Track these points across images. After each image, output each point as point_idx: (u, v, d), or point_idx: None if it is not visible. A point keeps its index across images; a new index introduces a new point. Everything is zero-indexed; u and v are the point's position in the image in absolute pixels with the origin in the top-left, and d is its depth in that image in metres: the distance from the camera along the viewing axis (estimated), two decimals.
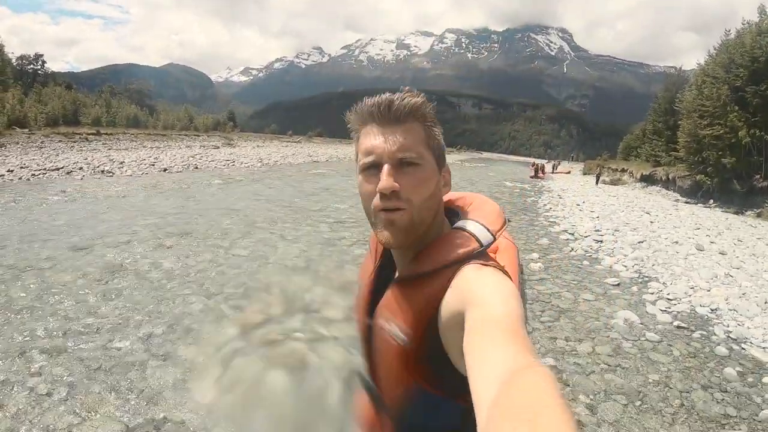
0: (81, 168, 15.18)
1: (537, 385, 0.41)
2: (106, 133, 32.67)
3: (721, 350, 3.85)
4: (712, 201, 17.76)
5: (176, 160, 19.94)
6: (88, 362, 3.03)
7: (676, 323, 4.39)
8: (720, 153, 16.93)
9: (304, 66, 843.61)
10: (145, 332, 3.51)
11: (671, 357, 3.70)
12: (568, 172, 42.78)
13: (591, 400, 3.00)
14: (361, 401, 0.87)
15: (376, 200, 0.71)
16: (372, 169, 0.72)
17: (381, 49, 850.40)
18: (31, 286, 4.32)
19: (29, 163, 15.46)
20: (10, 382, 2.73)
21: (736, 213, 15.74)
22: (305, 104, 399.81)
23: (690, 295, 5.22)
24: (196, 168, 18.30)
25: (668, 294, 5.24)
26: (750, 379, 3.39)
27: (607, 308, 4.75)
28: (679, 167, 21.13)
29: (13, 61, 44.61)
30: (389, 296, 0.77)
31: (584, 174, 38.50)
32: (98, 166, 15.84)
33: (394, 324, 0.73)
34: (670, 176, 21.84)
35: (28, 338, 3.30)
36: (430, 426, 0.76)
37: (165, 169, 16.68)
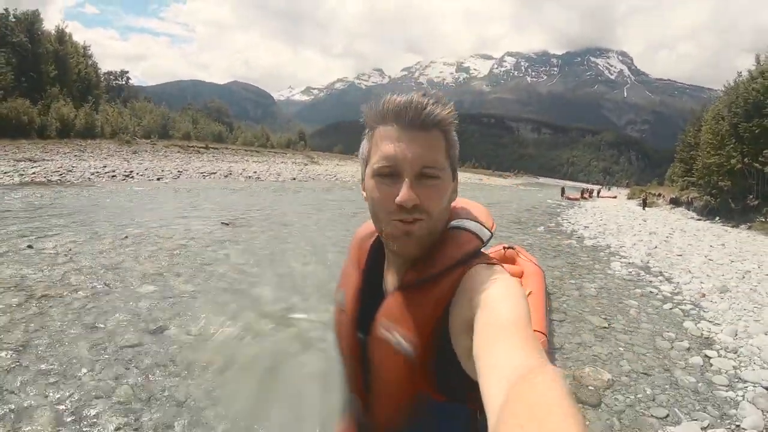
0: (231, 173, 21.31)
1: (546, 385, 0.42)
2: (213, 147, 38.11)
3: (605, 253, 9.19)
4: (717, 218, 21.94)
5: (293, 173, 26.38)
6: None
7: (593, 246, 9.81)
8: (720, 178, 21.36)
9: (364, 87, 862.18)
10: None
11: (583, 250, 9.17)
12: (615, 197, 44.87)
13: (536, 251, 8.54)
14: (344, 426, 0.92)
15: (392, 210, 0.68)
16: (388, 177, 0.69)
17: (440, 72, 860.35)
18: (296, 224, 10.47)
19: (184, 167, 20.39)
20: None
21: (733, 227, 19.31)
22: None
23: (612, 243, 10.46)
24: (313, 179, 24.72)
25: (601, 242, 10.53)
26: (602, 254, 8.73)
27: (564, 241, 10.26)
28: (692, 190, 25.54)
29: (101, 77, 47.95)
30: (391, 304, 0.74)
31: (628, 199, 41.51)
32: (240, 173, 22.03)
33: (397, 333, 0.71)
34: (690, 198, 26.11)
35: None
36: None
37: (293, 178, 23.12)
